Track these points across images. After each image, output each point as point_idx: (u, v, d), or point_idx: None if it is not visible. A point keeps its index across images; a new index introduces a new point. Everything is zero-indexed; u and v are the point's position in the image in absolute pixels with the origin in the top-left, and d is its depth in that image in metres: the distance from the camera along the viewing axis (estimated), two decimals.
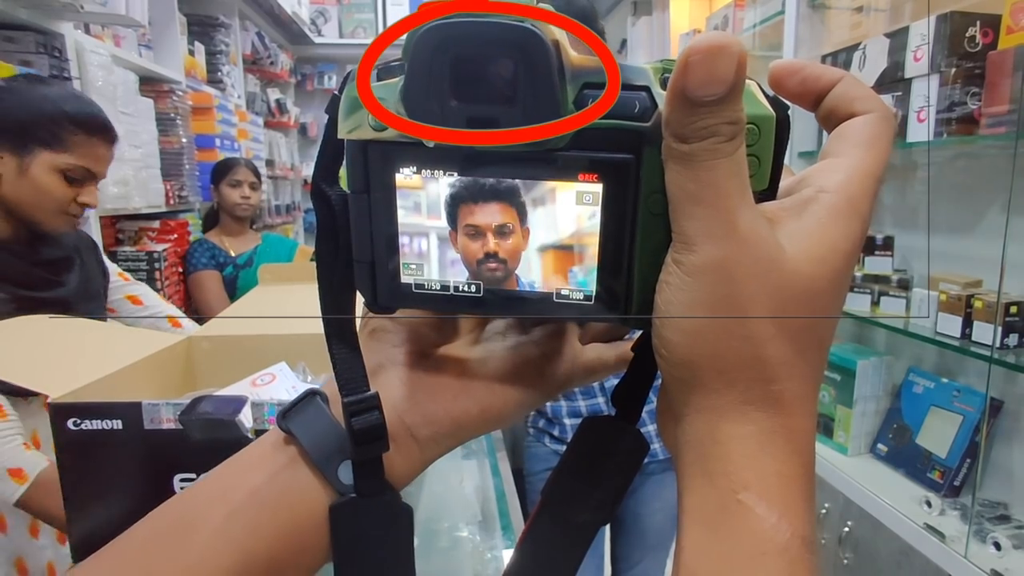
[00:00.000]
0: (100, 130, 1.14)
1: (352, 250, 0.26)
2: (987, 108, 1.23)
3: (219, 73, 2.93)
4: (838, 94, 0.25)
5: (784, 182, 0.25)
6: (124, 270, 1.44)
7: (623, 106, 0.23)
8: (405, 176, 0.24)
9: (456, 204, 0.23)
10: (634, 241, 0.24)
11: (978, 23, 1.27)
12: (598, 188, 0.24)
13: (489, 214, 0.23)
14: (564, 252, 0.24)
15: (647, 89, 0.23)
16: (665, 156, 0.22)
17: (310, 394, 0.29)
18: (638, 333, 0.31)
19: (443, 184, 0.23)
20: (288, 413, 0.28)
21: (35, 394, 1.10)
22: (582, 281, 0.24)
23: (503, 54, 0.22)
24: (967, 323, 1.30)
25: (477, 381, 0.29)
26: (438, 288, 0.26)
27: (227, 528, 0.26)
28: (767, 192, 0.24)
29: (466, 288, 0.26)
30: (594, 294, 0.25)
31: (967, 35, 1.27)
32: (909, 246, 1.59)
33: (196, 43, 2.71)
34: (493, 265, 0.24)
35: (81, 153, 1.11)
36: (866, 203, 0.23)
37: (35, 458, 0.93)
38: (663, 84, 0.23)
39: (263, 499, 0.27)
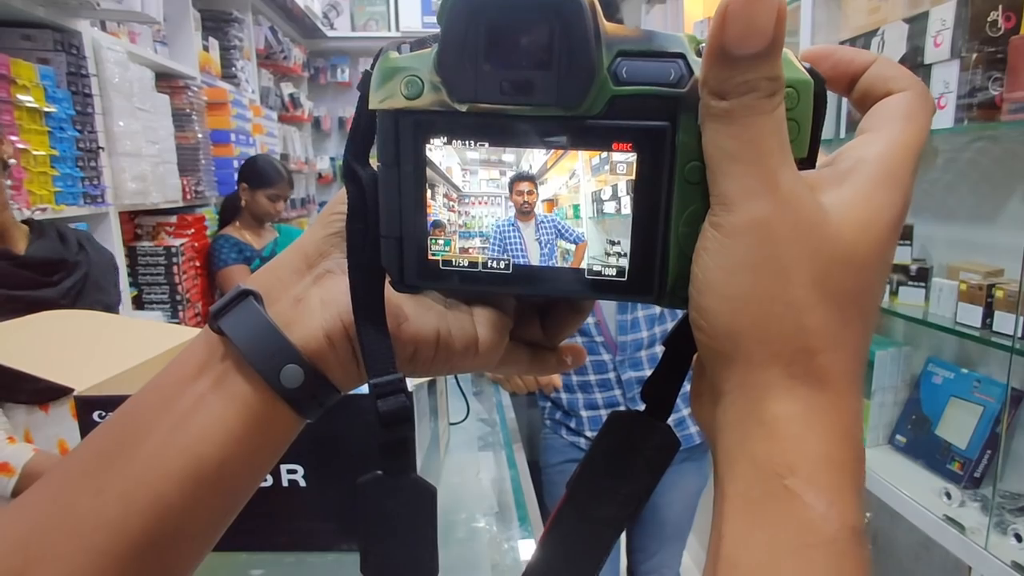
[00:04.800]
0: None
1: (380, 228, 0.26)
2: (1009, 94, 1.20)
3: (233, 68, 2.95)
4: (873, 75, 0.24)
5: (819, 161, 0.24)
6: (142, 265, 1.44)
7: (659, 73, 0.22)
8: (436, 146, 0.24)
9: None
10: (670, 212, 0.24)
11: (1000, 7, 1.24)
12: (632, 157, 0.23)
13: (524, 185, 0.26)
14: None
15: (683, 56, 0.23)
16: (703, 116, 0.22)
17: (243, 293, 0.27)
18: (567, 341, 0.31)
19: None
20: (220, 314, 0.27)
21: (25, 401, 1.12)
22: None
23: (539, 18, 0.22)
24: (988, 312, 1.28)
25: (412, 322, 0.28)
26: (466, 265, 0.26)
27: (175, 436, 0.26)
28: (806, 161, 0.23)
29: (494, 265, 0.26)
30: (627, 269, 0.25)
31: (989, 19, 1.25)
32: (928, 235, 1.57)
33: (210, 39, 2.73)
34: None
35: None
36: (906, 175, 0.23)
37: (19, 450, 0.94)
38: (698, 54, 0.22)
39: (209, 407, 0.26)
